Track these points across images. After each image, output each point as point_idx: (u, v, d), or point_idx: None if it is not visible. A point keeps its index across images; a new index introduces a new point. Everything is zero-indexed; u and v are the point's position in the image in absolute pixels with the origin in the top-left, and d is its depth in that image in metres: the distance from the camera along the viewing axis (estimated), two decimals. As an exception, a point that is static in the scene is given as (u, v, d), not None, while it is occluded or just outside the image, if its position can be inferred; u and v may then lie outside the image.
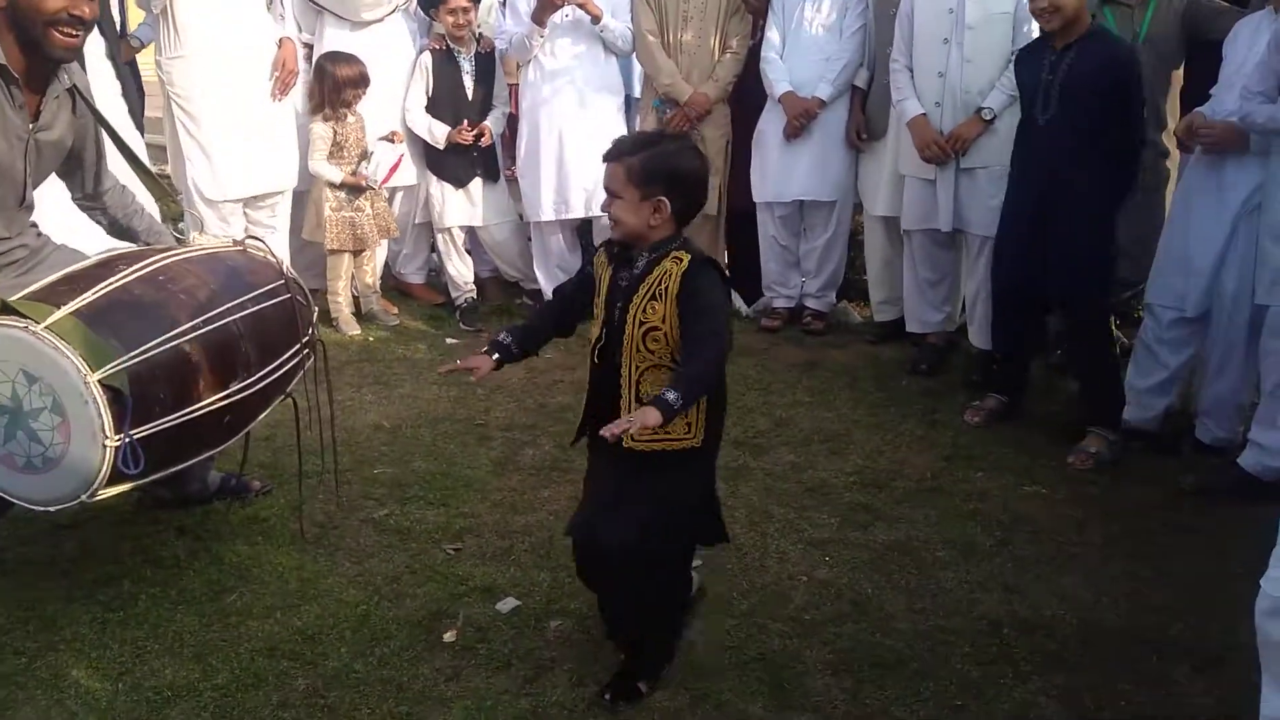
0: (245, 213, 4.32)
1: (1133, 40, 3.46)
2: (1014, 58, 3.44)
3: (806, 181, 4.34)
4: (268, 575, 2.60)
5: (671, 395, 1.89)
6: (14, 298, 2.11)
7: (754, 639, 2.37)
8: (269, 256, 2.64)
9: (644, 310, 2.03)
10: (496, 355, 2.18)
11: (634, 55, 4.67)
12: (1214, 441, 3.28)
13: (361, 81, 4.30)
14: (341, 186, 4.35)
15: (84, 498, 2.10)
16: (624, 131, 4.69)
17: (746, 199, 4.58)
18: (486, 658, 2.29)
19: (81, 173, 2.60)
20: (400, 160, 4.46)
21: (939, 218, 3.86)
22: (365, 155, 4.37)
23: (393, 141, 4.47)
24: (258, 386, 2.42)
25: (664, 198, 2.00)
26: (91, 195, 2.64)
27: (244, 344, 2.39)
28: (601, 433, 1.86)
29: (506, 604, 2.48)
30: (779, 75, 4.28)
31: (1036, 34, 3.32)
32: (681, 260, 2.02)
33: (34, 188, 2.43)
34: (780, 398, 3.83)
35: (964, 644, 2.35)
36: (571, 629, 2.41)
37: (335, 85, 4.28)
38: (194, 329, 2.25)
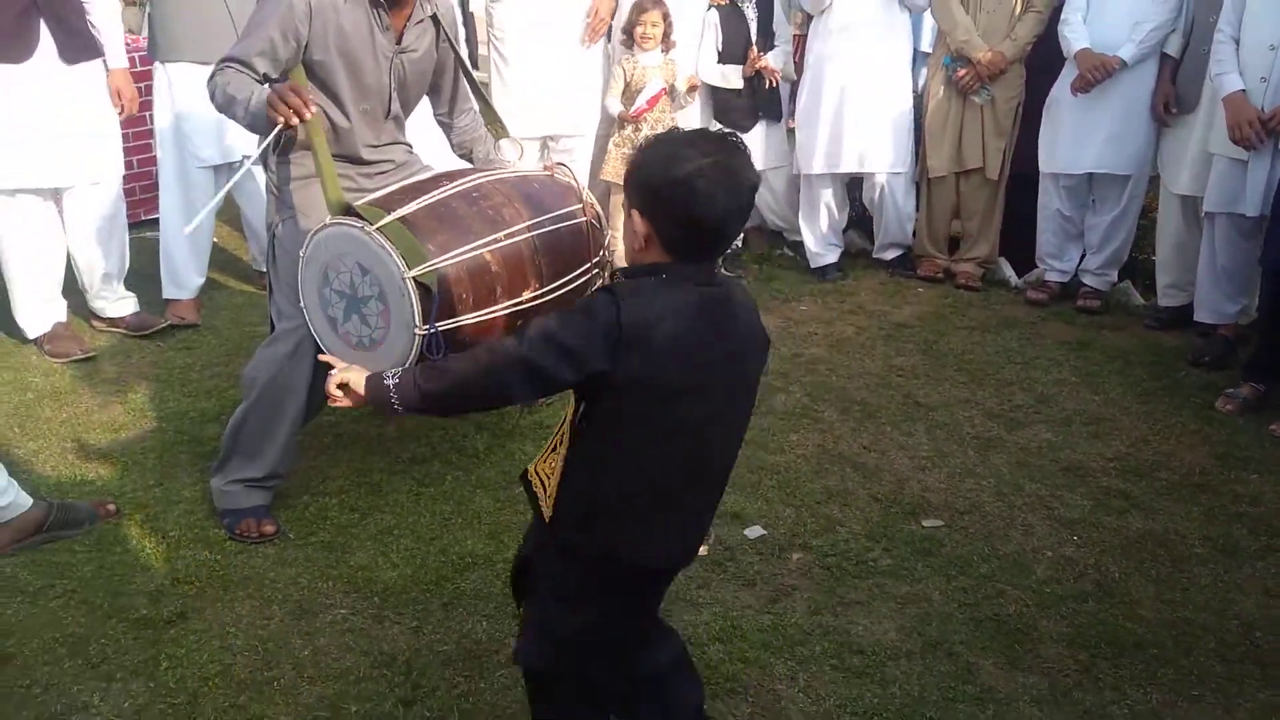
0: (550, 156, 4.69)
1: None
2: None
3: (1102, 153, 4.16)
4: (549, 475, 2.96)
5: (389, 374, 1.65)
6: (359, 203, 2.49)
7: (991, 601, 2.46)
8: (572, 182, 2.93)
9: None
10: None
11: (929, 10, 4.62)
12: None
13: (651, 17, 4.50)
14: (620, 120, 4.66)
15: None
16: (909, 90, 4.67)
17: (1025, 164, 4.45)
18: (734, 574, 2.53)
19: (441, 92, 2.98)
20: (661, 94, 4.57)
21: (1246, 201, 3.62)
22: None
23: (694, 89, 4.67)
24: (548, 298, 2.71)
25: (637, 210, 1.55)
26: (448, 114, 3.02)
27: (538, 258, 2.65)
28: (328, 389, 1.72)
29: (753, 531, 2.70)
30: (1077, 35, 4.11)
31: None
32: None
33: (401, 103, 2.81)
34: (1044, 374, 3.77)
35: (1210, 639, 2.33)
36: (812, 563, 2.59)
37: (629, 21, 4.57)
38: (495, 241, 2.52)
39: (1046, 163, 4.33)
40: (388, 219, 2.44)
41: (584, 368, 1.50)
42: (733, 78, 4.69)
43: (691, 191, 1.47)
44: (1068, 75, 4.20)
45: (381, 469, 2.97)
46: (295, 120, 2.38)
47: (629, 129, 4.66)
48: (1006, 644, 2.31)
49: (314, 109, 2.43)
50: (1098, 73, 4.03)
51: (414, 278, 2.36)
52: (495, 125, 3.04)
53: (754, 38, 4.67)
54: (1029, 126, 4.45)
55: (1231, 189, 3.67)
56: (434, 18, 2.79)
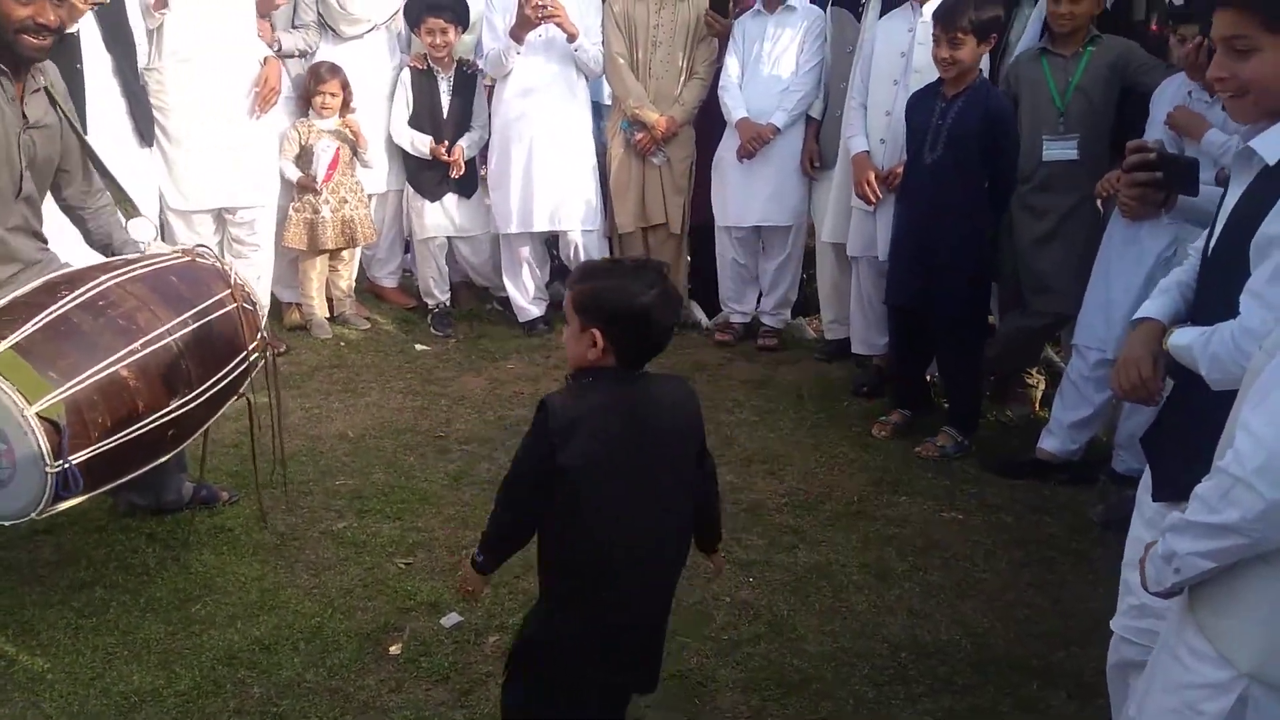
0: (228, 230, 4.46)
1: (1066, 90, 3.64)
2: (906, 102, 3.70)
3: (765, 207, 4.55)
4: (231, 585, 2.80)
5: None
6: None
7: (675, 657, 2.58)
8: (216, 263, 2.78)
9: None
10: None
11: (603, 75, 4.84)
12: (1128, 472, 3.48)
13: (329, 86, 4.50)
14: (297, 186, 4.55)
15: (34, 515, 2.26)
16: (591, 150, 4.86)
17: (705, 214, 4.78)
18: (428, 670, 2.51)
19: (70, 172, 2.76)
20: (336, 156, 4.57)
21: (878, 246, 4.07)
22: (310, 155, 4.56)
23: (347, 130, 4.61)
24: (199, 400, 2.56)
25: (598, 330, 1.84)
26: (80, 199, 2.81)
27: (184, 361, 2.51)
28: None
29: (450, 619, 2.69)
30: (736, 102, 4.48)
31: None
32: None
33: (34, 182, 2.60)
34: (728, 416, 4.04)
35: (865, 665, 2.58)
36: (508, 644, 2.61)
37: (305, 89, 4.54)
38: (131, 354, 2.36)
39: (720, 216, 4.68)
40: None
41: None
42: (420, 145, 4.70)
43: (648, 318, 1.86)
44: (729, 137, 4.55)
45: (35, 602, 2.69)
46: None
47: (309, 194, 4.56)
48: (687, 699, 2.45)
49: None
50: (756, 143, 4.41)
51: (37, 414, 2.17)
52: (125, 204, 2.87)
53: (446, 107, 4.69)
54: (704, 181, 4.78)
55: (867, 235, 4.13)
56: (46, 90, 2.63)
